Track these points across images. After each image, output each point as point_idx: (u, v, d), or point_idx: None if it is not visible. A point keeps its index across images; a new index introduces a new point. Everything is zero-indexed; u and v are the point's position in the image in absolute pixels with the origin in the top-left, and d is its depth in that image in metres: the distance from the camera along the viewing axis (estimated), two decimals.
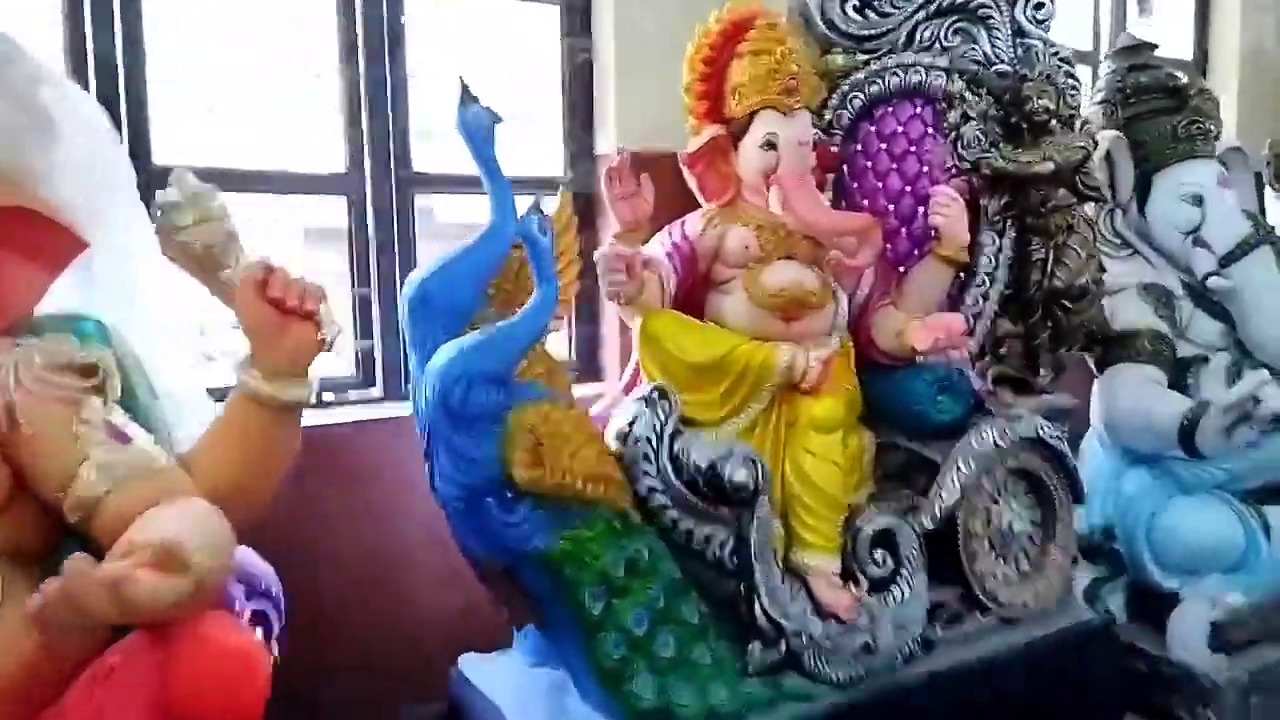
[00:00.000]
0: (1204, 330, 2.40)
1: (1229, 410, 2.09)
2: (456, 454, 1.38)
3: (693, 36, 1.87)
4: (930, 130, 2.08)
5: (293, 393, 1.27)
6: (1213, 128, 2.44)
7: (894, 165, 2.12)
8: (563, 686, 1.62)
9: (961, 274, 2.04)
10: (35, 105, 1.26)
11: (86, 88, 1.81)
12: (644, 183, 1.80)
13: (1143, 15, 3.78)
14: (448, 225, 2.77)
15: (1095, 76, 2.62)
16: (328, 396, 2.16)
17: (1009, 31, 2.07)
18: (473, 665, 1.80)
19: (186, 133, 1.99)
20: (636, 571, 1.54)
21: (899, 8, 2.09)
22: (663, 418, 1.63)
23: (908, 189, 2.10)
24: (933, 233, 1.93)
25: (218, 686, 1.00)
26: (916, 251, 2.07)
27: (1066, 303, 2.09)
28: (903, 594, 1.78)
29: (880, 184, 2.13)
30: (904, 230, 2.11)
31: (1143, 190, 2.44)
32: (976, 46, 2.07)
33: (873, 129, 2.12)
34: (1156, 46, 2.52)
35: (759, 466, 1.62)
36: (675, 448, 1.63)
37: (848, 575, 1.77)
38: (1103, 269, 2.21)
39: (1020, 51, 2.07)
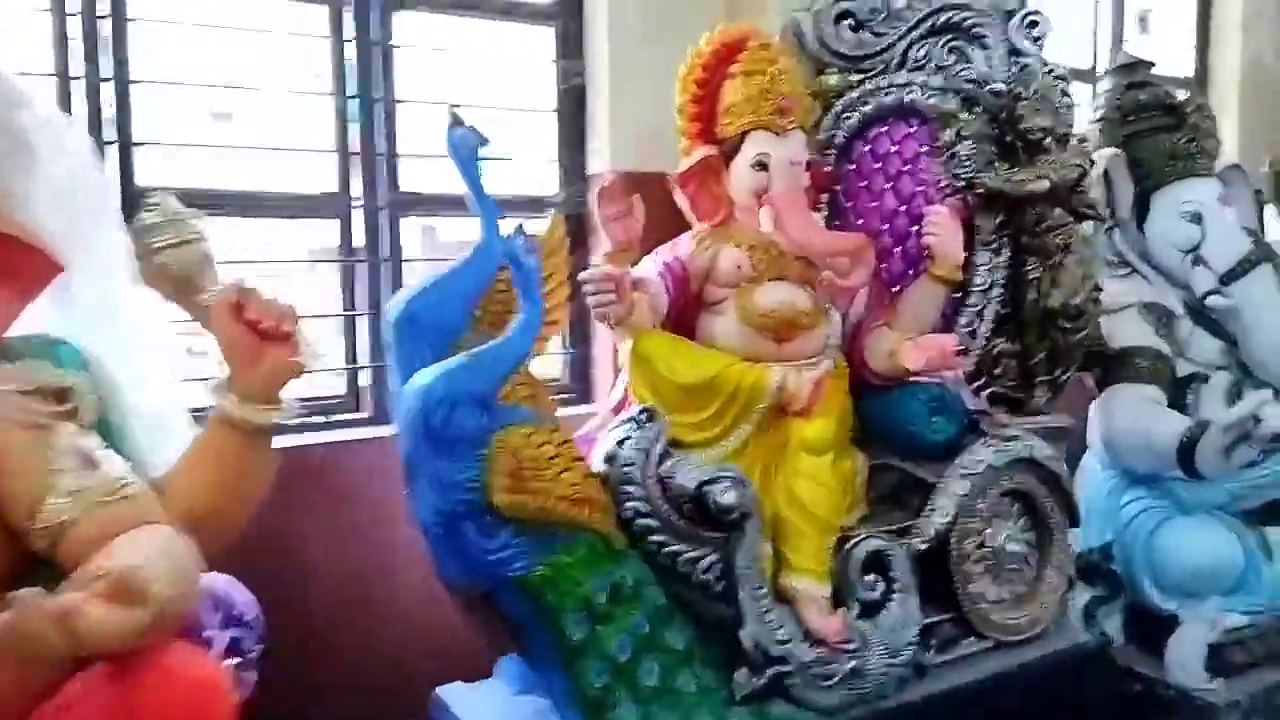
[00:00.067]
0: (1204, 349, 2.37)
1: (1229, 430, 2.06)
2: (437, 478, 1.36)
3: (685, 57, 1.87)
4: (925, 149, 2.07)
5: (267, 416, 1.26)
6: (1211, 145, 2.43)
7: (889, 185, 2.11)
8: (546, 715, 1.60)
9: (957, 293, 2.02)
10: (13, 129, 1.25)
11: (72, 110, 1.81)
12: (635, 203, 1.79)
13: (1142, 33, 3.77)
14: (451, 244, 2.76)
15: (1094, 94, 2.60)
16: (316, 418, 2.14)
17: (1003, 50, 2.05)
18: (454, 694, 1.77)
19: (174, 155, 1.99)
20: (620, 597, 1.52)
21: (893, 27, 2.09)
22: (650, 439, 1.62)
23: (902, 208, 2.09)
24: (926, 252, 1.92)
25: (182, 717, 0.98)
26: (911, 271, 2.06)
27: (1063, 322, 2.06)
28: (894, 618, 1.76)
29: (875, 203, 2.12)
30: (899, 250, 2.09)
31: (1141, 208, 2.42)
32: (971, 65, 2.06)
33: (867, 149, 2.11)
34: (1154, 64, 2.51)
35: (747, 489, 1.60)
36: (663, 469, 1.62)
37: (838, 598, 1.75)
38: (1099, 288, 2.19)
39: (1015, 70, 2.05)
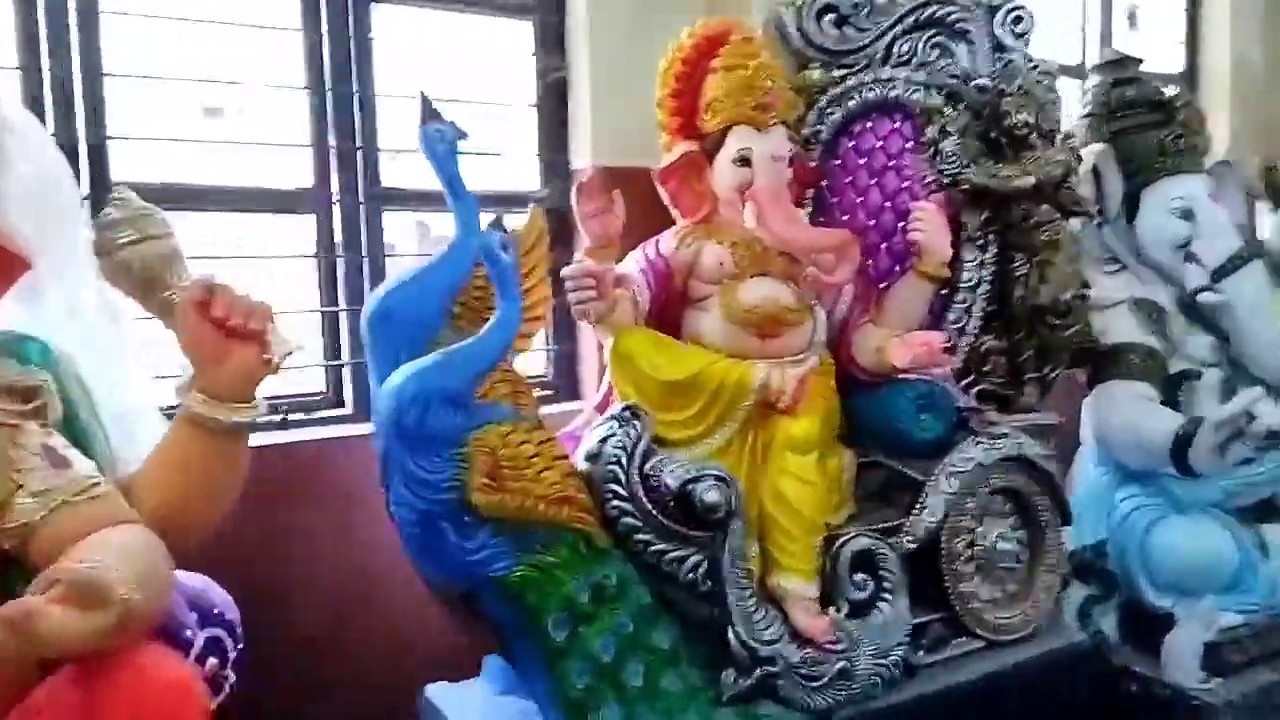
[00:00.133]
0: (1196, 345, 2.36)
1: (1222, 427, 2.04)
2: (413, 477, 1.33)
3: (666, 51, 1.85)
4: (909, 145, 2.05)
5: (236, 416, 1.24)
6: (1201, 141, 2.42)
7: (873, 180, 2.09)
8: (530, 716, 1.57)
9: (944, 290, 2.00)
10: None
11: (43, 106, 1.79)
12: (615, 199, 1.77)
13: (1131, 29, 3.76)
14: (443, 239, 2.73)
15: (1082, 91, 2.59)
16: (297, 415, 2.12)
17: (988, 46, 2.05)
18: (440, 693, 1.75)
19: (146, 151, 1.97)
20: (603, 597, 1.49)
21: (876, 22, 2.08)
22: (634, 437, 1.59)
23: (888, 204, 2.08)
24: (913, 248, 1.90)
25: None
26: (898, 268, 2.04)
27: (1051, 319, 2.05)
28: (883, 618, 1.73)
29: (860, 199, 2.11)
30: (884, 246, 2.08)
31: (1131, 205, 2.40)
32: (955, 61, 2.06)
33: (851, 144, 2.10)
34: (1142, 61, 2.50)
35: (731, 487, 1.58)
36: (646, 468, 1.59)
37: (827, 598, 1.73)
38: (1087, 284, 2.17)
39: (999, 66, 2.04)
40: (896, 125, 2.07)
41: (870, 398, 1.89)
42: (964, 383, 2.07)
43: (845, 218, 2.10)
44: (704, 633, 1.61)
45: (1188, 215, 2.32)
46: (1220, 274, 2.29)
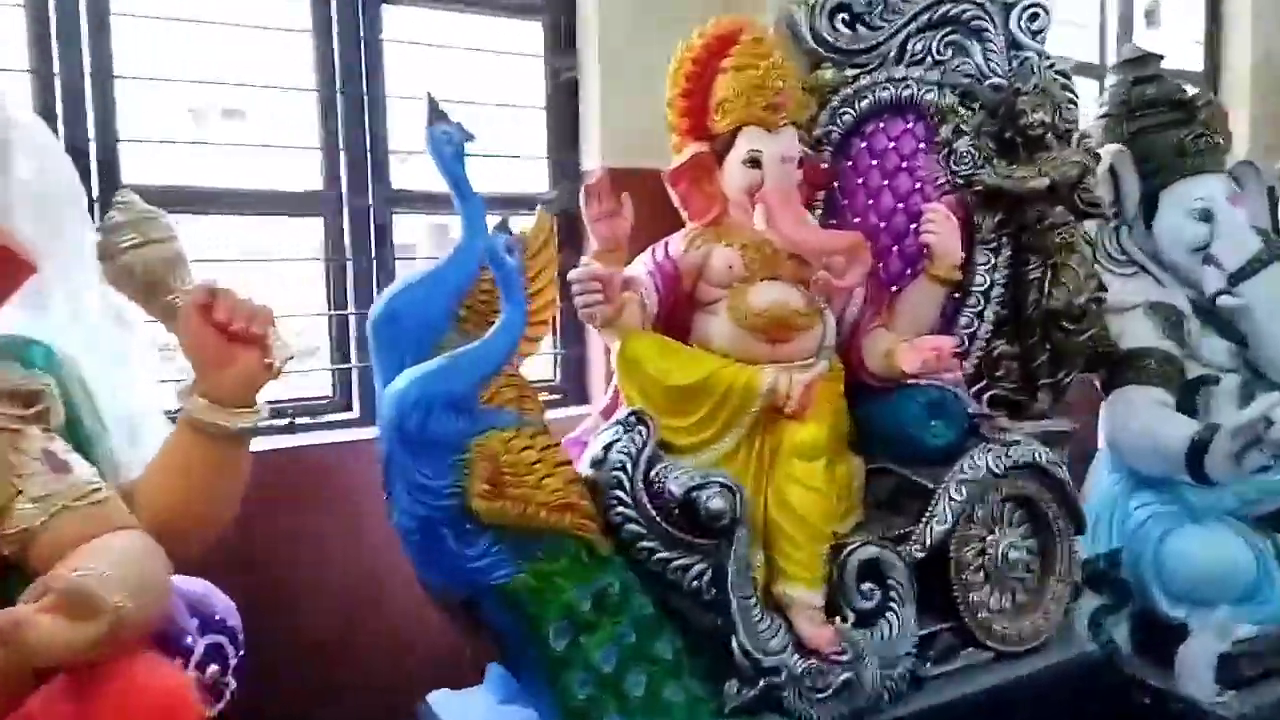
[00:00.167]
0: (1214, 350, 2.32)
1: (1239, 433, 2.00)
2: (414, 483, 1.33)
3: (677, 51, 1.83)
4: (923, 146, 2.03)
5: (238, 421, 1.23)
6: (1221, 141, 2.38)
7: (886, 182, 2.07)
8: None
9: (956, 294, 1.98)
10: None
11: (53, 109, 1.79)
12: (624, 201, 1.75)
13: (1150, 27, 3.71)
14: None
15: (1101, 89, 2.55)
16: (304, 419, 2.11)
17: (1003, 44, 2.02)
18: (442, 701, 1.74)
19: (156, 154, 1.96)
20: (605, 606, 1.48)
21: (889, 20, 2.05)
22: (639, 443, 1.58)
23: (900, 206, 2.05)
24: (925, 251, 1.88)
25: None
26: (909, 270, 2.02)
27: (1065, 323, 2.03)
28: (891, 628, 1.71)
29: (872, 201, 2.08)
30: (896, 249, 2.05)
31: (1149, 206, 2.37)
32: (969, 60, 2.03)
33: (864, 145, 2.08)
34: (1163, 58, 2.46)
35: (737, 494, 1.56)
36: (652, 474, 1.58)
37: (833, 607, 1.70)
38: (1103, 288, 2.14)
39: (1015, 64, 2.02)
40: (910, 125, 2.04)
41: (880, 403, 1.87)
42: (976, 388, 2.04)
43: (857, 220, 2.07)
44: (707, 642, 1.59)
45: (1207, 217, 2.29)
46: (1239, 277, 2.25)
